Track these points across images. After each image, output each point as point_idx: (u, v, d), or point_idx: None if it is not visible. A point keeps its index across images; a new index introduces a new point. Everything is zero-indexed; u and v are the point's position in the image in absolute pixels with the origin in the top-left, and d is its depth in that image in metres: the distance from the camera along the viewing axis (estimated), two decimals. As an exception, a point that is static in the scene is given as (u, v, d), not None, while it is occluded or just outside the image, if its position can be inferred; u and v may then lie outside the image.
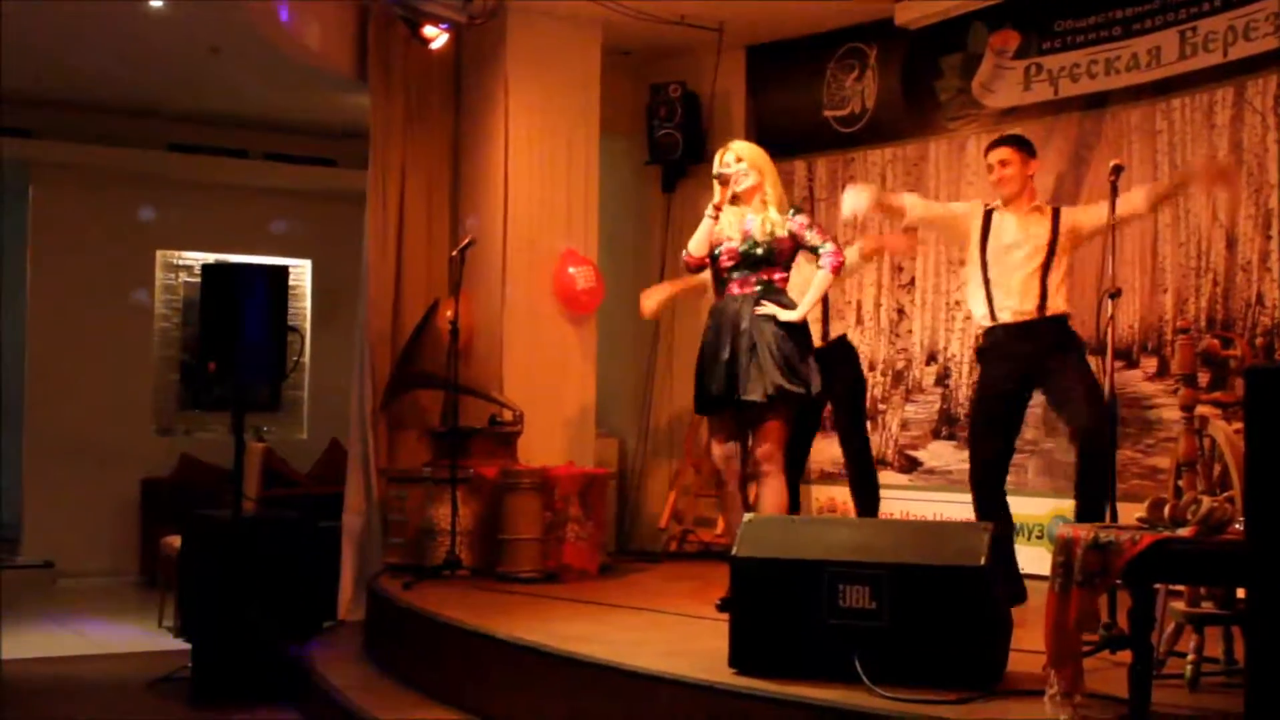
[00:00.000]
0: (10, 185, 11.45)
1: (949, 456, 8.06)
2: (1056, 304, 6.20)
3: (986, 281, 6.27)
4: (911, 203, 6.61)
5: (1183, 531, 3.82)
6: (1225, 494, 4.22)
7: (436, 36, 7.79)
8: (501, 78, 8.46)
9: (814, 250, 6.10)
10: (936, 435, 8.17)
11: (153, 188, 11.52)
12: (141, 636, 8.47)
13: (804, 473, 7.91)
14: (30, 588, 10.37)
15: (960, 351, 8.09)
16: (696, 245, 6.10)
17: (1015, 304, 6.20)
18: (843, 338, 7.61)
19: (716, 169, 6.14)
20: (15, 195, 11.51)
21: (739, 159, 6.14)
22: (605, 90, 8.84)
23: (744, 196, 6.13)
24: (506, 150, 8.43)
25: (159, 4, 8.66)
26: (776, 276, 6.11)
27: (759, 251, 6.06)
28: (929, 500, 7.90)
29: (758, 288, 6.06)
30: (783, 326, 5.97)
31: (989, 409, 6.33)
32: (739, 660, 4.60)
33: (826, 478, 8.60)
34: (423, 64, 8.48)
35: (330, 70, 8.72)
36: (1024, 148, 6.34)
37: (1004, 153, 6.32)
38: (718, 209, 6.08)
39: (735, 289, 6.09)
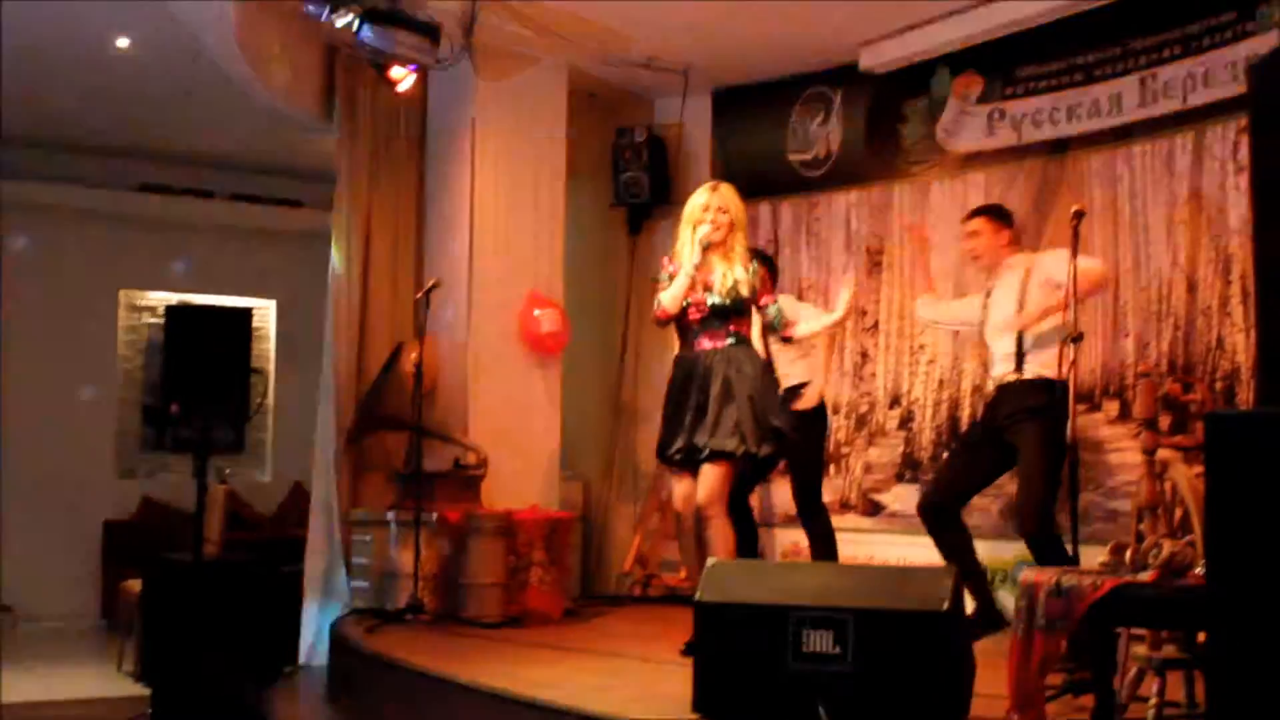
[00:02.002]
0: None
1: (912, 500, 8.01)
2: (1034, 367, 6.26)
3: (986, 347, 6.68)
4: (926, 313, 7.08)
5: (1144, 576, 3.83)
6: (1186, 538, 4.25)
7: (404, 79, 7.79)
8: (468, 120, 8.47)
9: (764, 310, 6.22)
10: (900, 479, 8.18)
11: (117, 228, 11.47)
12: (102, 681, 8.38)
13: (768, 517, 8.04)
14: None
15: (923, 395, 8.11)
16: (673, 301, 6.08)
17: (999, 368, 6.44)
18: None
19: (707, 233, 6.08)
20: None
21: (723, 210, 6.14)
22: (572, 133, 8.86)
23: (715, 246, 6.14)
24: (472, 192, 8.44)
25: (126, 45, 8.65)
26: (745, 328, 6.18)
27: (727, 304, 6.09)
28: (892, 544, 7.90)
29: (730, 340, 6.09)
30: (761, 379, 6.05)
31: (957, 445, 6.70)
32: (703, 705, 4.58)
33: (791, 521, 8.59)
34: (389, 106, 8.48)
35: (297, 112, 8.70)
36: (998, 217, 6.61)
37: (976, 224, 6.59)
38: (698, 269, 6.07)
39: (706, 343, 6.09)
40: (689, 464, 6.08)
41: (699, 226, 6.12)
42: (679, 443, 6.06)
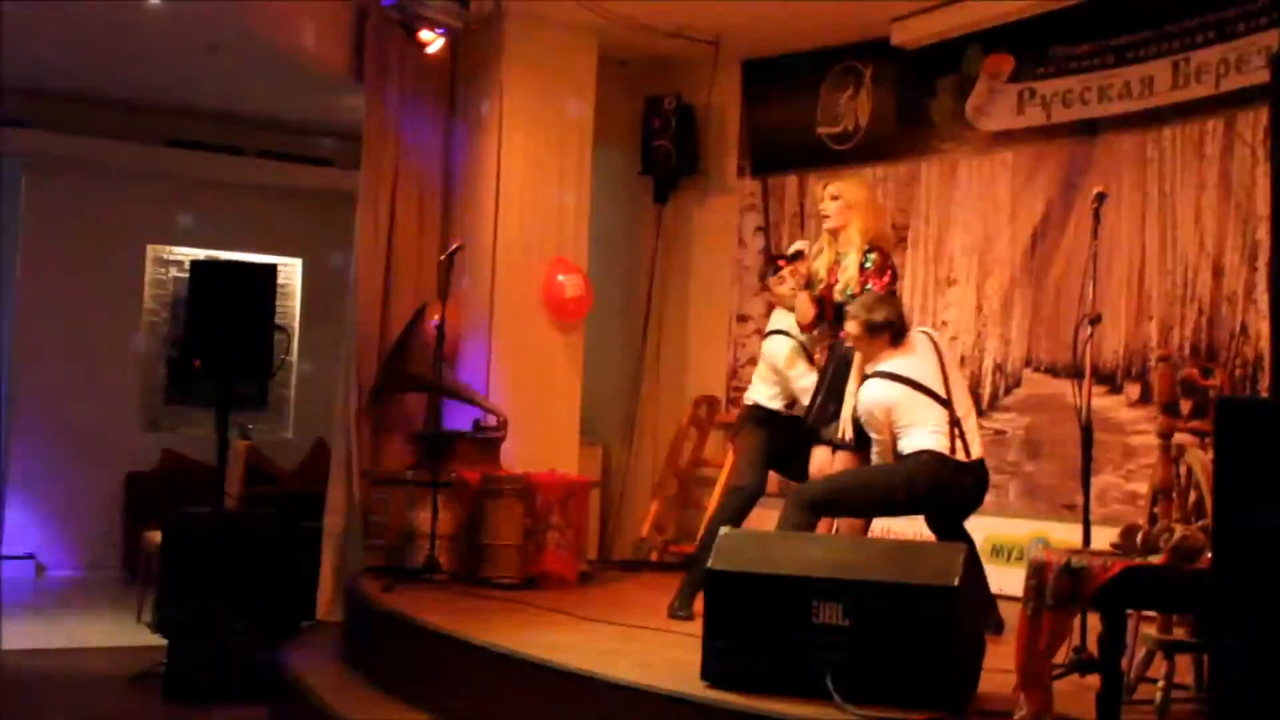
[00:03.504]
0: (4, 176, 11.43)
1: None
2: None
3: None
4: None
5: (1154, 559, 3.84)
6: (1200, 523, 4.24)
7: (432, 41, 7.81)
8: (497, 83, 8.48)
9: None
10: (920, 454, 8.18)
11: (146, 182, 11.51)
12: (121, 631, 8.47)
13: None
14: (12, 581, 10.36)
15: (945, 372, 8.09)
16: (803, 314, 6.22)
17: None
18: None
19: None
20: (8, 186, 11.49)
21: (834, 197, 6.24)
22: (600, 99, 8.85)
23: (835, 232, 6.26)
24: (499, 156, 8.45)
25: (157, 1, 8.67)
26: None
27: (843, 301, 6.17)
28: (911, 520, 7.90)
29: None
30: None
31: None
32: (711, 673, 4.61)
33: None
34: (418, 67, 8.49)
35: (326, 71, 8.72)
36: None
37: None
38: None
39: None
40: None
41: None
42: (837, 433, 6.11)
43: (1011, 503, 7.67)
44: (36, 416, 11.05)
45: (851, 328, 5.82)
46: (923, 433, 5.58)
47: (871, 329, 5.73)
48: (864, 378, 5.79)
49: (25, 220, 11.36)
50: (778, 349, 6.38)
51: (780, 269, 6.53)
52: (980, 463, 5.72)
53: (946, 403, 5.64)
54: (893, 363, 5.70)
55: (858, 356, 5.90)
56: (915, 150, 8.43)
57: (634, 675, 4.81)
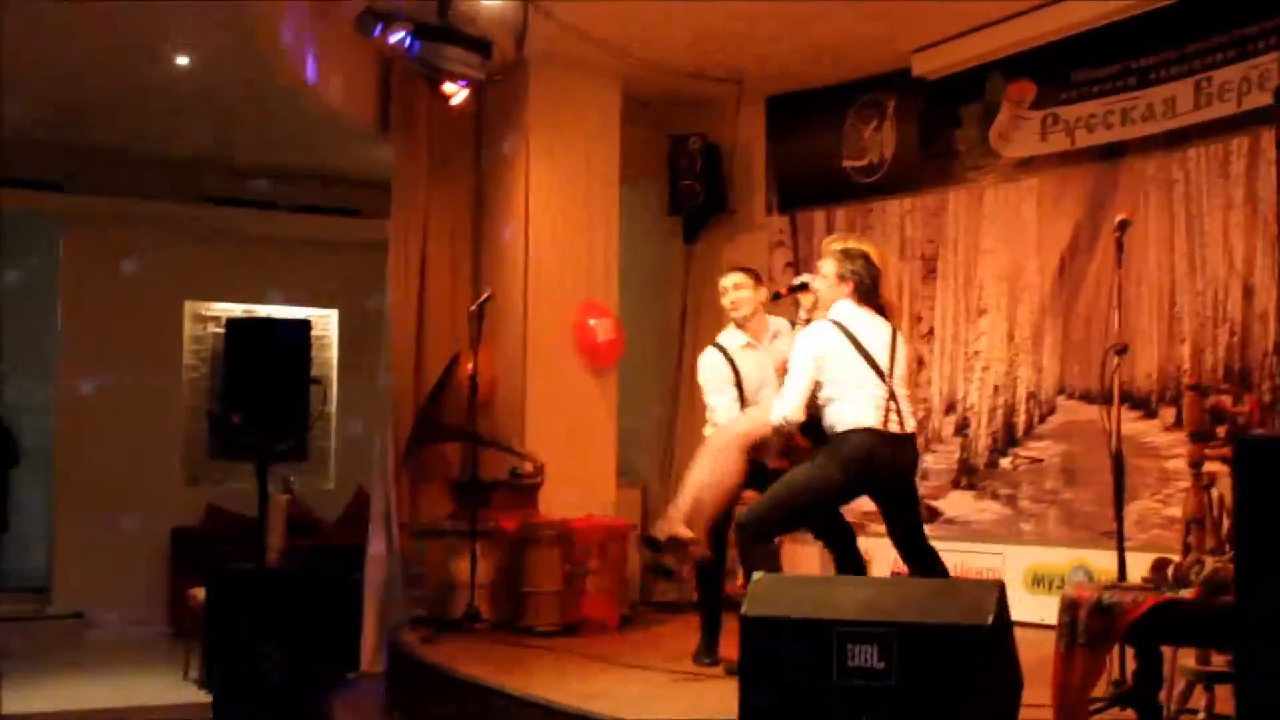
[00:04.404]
0: (41, 237, 11.57)
1: (968, 507, 8.05)
2: None
3: None
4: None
5: (1186, 593, 3.83)
6: (1229, 554, 4.22)
7: (456, 93, 7.86)
8: (522, 130, 8.54)
9: None
10: (956, 485, 8.16)
11: (180, 239, 11.62)
12: (169, 689, 8.49)
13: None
14: (60, 638, 10.43)
15: (979, 401, 8.08)
16: None
17: None
18: None
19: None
20: (46, 246, 11.64)
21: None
22: (626, 141, 8.90)
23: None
24: (527, 202, 8.50)
25: (185, 61, 8.79)
26: None
27: None
28: (949, 551, 7.85)
29: None
30: None
31: None
32: (749, 719, 4.60)
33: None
34: (445, 116, 8.55)
35: (353, 123, 8.81)
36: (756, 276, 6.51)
37: (738, 277, 6.42)
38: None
39: None
40: None
41: None
42: None
43: (1051, 531, 7.63)
44: (81, 473, 11.14)
45: (825, 266, 5.71)
46: (854, 406, 5.45)
47: (840, 275, 5.63)
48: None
49: (64, 279, 11.49)
50: (701, 364, 6.34)
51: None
52: (912, 437, 5.61)
53: (884, 376, 5.49)
54: (843, 311, 5.59)
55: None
56: (941, 180, 8.44)
57: (671, 722, 4.82)
